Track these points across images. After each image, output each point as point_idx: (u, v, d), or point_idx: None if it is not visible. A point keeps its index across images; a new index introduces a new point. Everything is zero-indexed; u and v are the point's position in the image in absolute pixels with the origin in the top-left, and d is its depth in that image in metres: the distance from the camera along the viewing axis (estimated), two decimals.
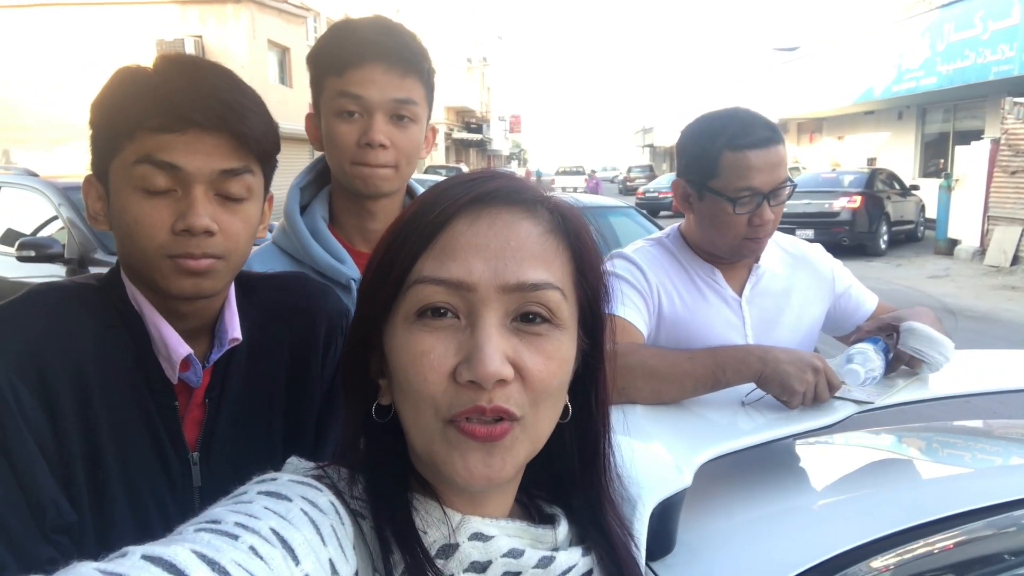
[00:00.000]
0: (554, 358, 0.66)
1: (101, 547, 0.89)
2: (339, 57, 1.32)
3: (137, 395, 0.99)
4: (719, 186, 1.57)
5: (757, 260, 1.70)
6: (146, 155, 0.93)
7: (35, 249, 5.58)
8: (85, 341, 0.97)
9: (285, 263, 1.43)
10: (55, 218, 5.96)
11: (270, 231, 1.36)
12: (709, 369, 1.36)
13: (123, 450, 0.97)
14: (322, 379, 1.16)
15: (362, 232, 1.44)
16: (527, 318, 0.66)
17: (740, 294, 1.68)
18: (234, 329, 1.06)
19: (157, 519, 0.98)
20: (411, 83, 1.34)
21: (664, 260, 1.69)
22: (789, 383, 1.30)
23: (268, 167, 1.05)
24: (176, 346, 1.00)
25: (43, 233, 6.02)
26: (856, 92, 21.69)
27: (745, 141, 1.55)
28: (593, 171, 47.02)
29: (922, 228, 17.49)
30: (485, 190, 0.68)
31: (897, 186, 16.67)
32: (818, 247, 1.82)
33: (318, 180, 1.52)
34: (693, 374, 1.36)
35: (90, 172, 1.03)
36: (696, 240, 1.69)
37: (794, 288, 1.72)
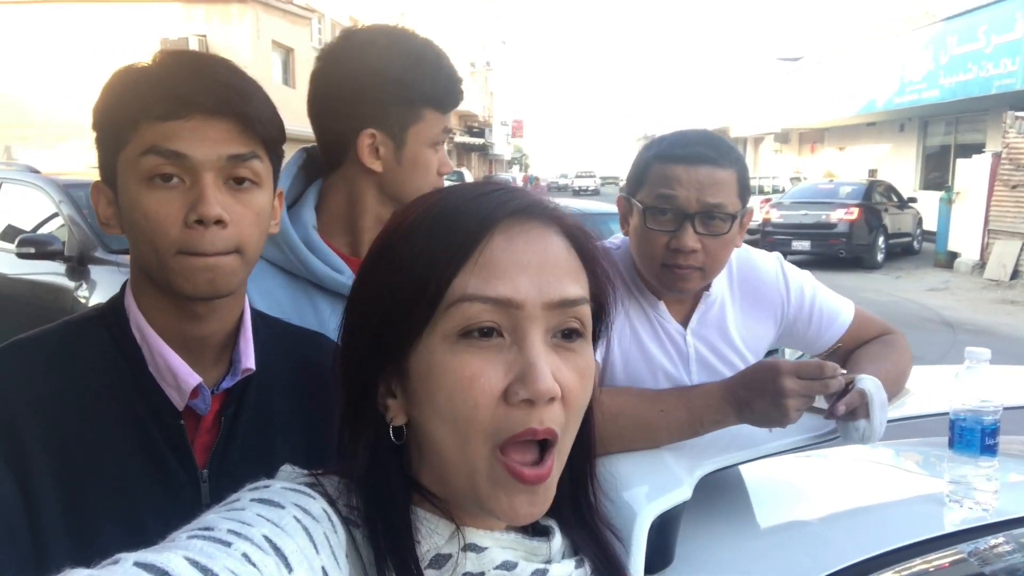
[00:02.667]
0: (586, 375, 0.67)
1: None
2: (443, 93, 1.36)
3: (136, 420, 0.97)
4: (641, 197, 1.44)
5: (708, 288, 1.53)
6: (151, 145, 0.91)
7: (35, 246, 5.57)
8: (62, 382, 0.95)
9: (276, 277, 1.38)
10: (56, 215, 5.95)
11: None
12: (685, 423, 1.31)
13: (117, 478, 0.95)
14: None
15: (355, 233, 1.42)
16: (566, 334, 0.66)
17: (686, 325, 1.53)
18: (248, 359, 1.04)
19: (162, 539, 0.97)
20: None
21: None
22: (773, 420, 1.26)
23: (275, 156, 1.03)
24: (185, 376, 0.97)
25: (43, 230, 6.00)
26: (858, 103, 21.74)
27: (675, 153, 1.42)
28: (537, 177, 47.86)
29: (919, 241, 17.46)
30: (519, 205, 0.67)
31: (895, 198, 16.65)
32: (773, 259, 1.64)
33: (300, 178, 1.46)
34: (668, 428, 1.32)
35: (98, 179, 1.01)
36: (637, 263, 1.53)
37: (739, 312, 1.59)
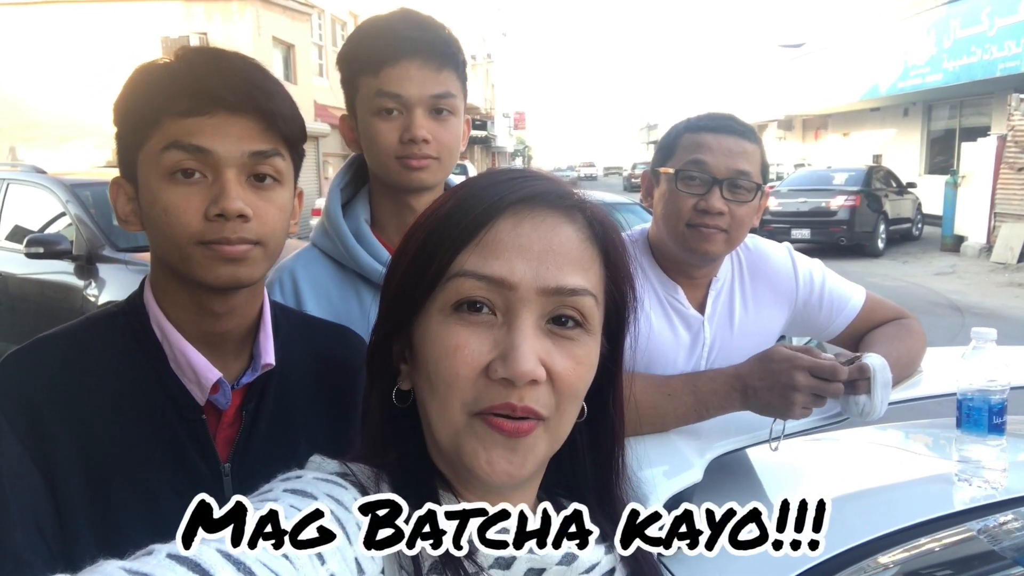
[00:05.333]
0: (583, 363, 0.68)
1: None
2: (373, 56, 1.31)
3: (158, 414, 0.98)
4: (672, 164, 1.51)
5: (716, 274, 1.59)
6: (174, 140, 0.91)
7: (43, 246, 5.59)
8: (85, 377, 0.97)
9: (327, 267, 1.41)
10: (63, 214, 5.98)
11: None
12: (691, 408, 1.34)
13: (139, 472, 0.96)
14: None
15: (404, 231, 1.43)
16: (560, 321, 0.67)
17: (702, 312, 1.58)
18: (268, 354, 1.04)
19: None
20: (447, 76, 1.34)
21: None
22: (777, 412, 1.28)
23: (296, 154, 1.03)
24: (205, 372, 0.98)
25: (51, 230, 6.04)
26: (862, 89, 21.61)
27: (704, 123, 1.51)
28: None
29: (920, 226, 17.27)
30: (532, 191, 0.69)
31: (894, 183, 16.38)
32: (782, 249, 1.69)
33: (355, 180, 1.50)
34: (675, 412, 1.34)
35: (117, 175, 1.01)
36: (656, 241, 1.59)
37: (748, 301, 1.62)
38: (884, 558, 1.11)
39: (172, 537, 0.89)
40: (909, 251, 15.41)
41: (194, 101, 0.91)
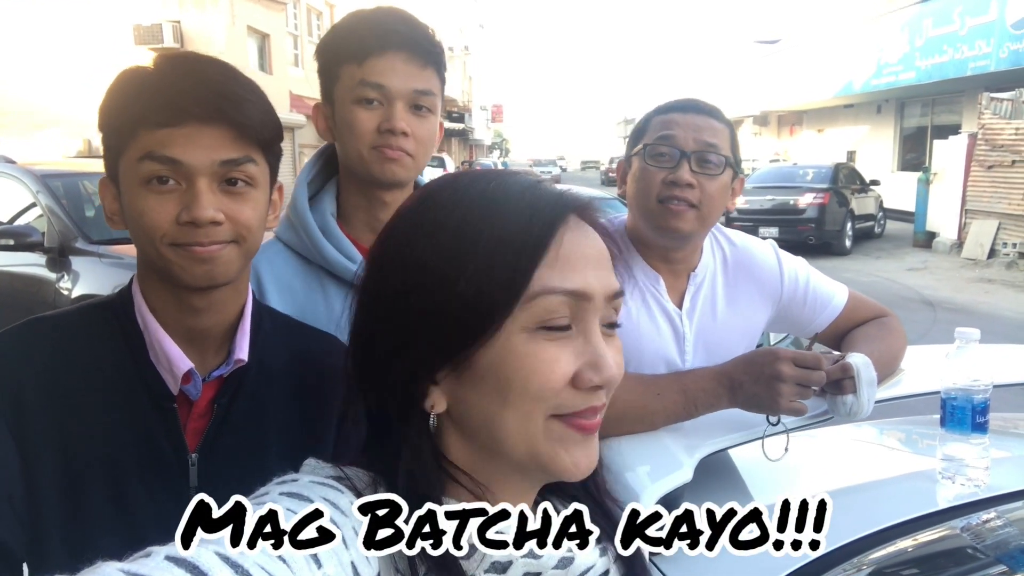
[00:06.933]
0: (621, 362, 0.72)
1: (76, 554, 0.92)
2: (359, 45, 1.30)
3: (133, 401, 1.02)
4: (643, 143, 1.53)
5: (695, 266, 1.59)
6: (148, 152, 0.96)
7: (14, 237, 5.49)
8: (68, 361, 1.01)
9: (291, 261, 1.40)
10: (34, 205, 5.86)
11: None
12: (680, 406, 1.35)
13: (109, 455, 1.00)
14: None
15: (371, 226, 1.41)
16: (611, 324, 0.71)
17: (680, 306, 1.57)
18: (241, 350, 1.08)
19: (150, 517, 1.00)
20: (430, 74, 1.34)
21: None
22: (764, 405, 1.29)
23: (271, 156, 1.06)
24: (177, 360, 1.02)
25: (22, 221, 5.92)
26: (836, 86, 21.85)
27: (672, 105, 1.55)
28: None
29: (882, 223, 17.20)
30: (581, 200, 0.71)
31: (858, 181, 16.24)
32: (767, 246, 1.69)
33: (323, 172, 1.49)
34: (663, 411, 1.35)
35: (104, 176, 1.06)
36: (632, 228, 1.58)
37: (732, 296, 1.62)
38: (869, 556, 1.12)
39: (135, 517, 0.87)
40: (882, 247, 15.62)
41: (165, 113, 0.96)
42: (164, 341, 1.02)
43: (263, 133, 1.02)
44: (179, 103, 0.95)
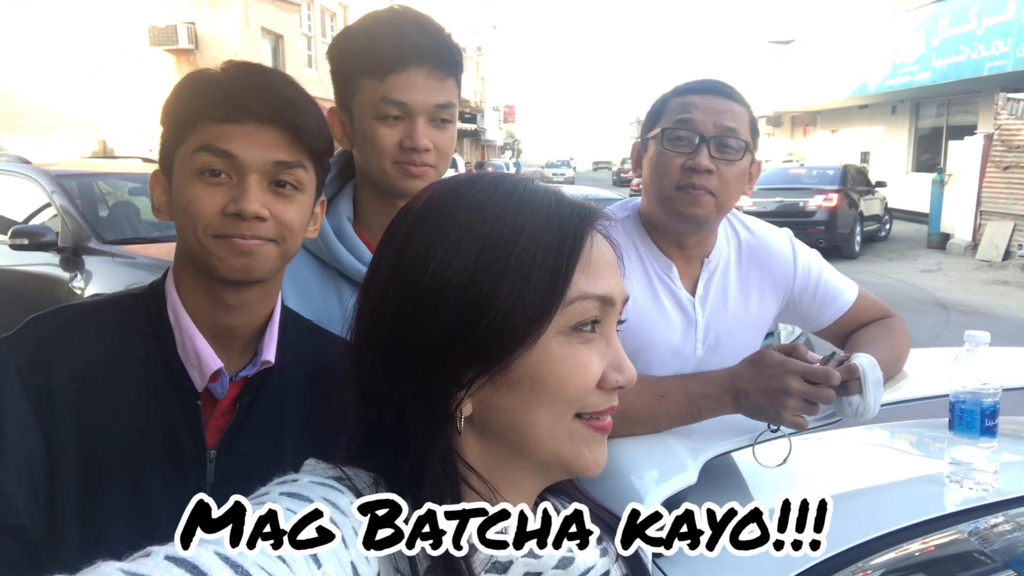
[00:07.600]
0: None
1: (91, 542, 0.95)
2: (380, 60, 1.29)
3: (158, 394, 1.04)
4: (660, 126, 1.49)
5: (709, 252, 1.57)
6: (206, 144, 1.00)
7: (28, 237, 5.52)
8: (98, 349, 1.03)
9: (308, 263, 1.41)
10: (48, 205, 5.91)
11: None
12: (684, 409, 1.34)
13: (129, 445, 1.01)
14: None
15: None
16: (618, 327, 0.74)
17: (693, 293, 1.55)
18: (268, 352, 1.10)
19: (165, 511, 1.00)
20: (450, 85, 1.34)
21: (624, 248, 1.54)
22: (767, 415, 1.28)
23: (320, 167, 1.10)
24: (208, 359, 1.04)
25: (36, 221, 5.96)
26: (851, 86, 21.71)
27: (691, 86, 1.52)
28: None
29: (887, 226, 16.97)
30: (595, 207, 0.73)
31: (865, 182, 15.94)
32: (783, 235, 1.67)
33: (340, 176, 1.49)
34: (667, 414, 1.34)
35: (156, 168, 1.10)
36: (647, 212, 1.56)
37: (744, 284, 1.60)
38: (875, 560, 1.11)
39: (152, 510, 0.87)
40: (895, 248, 15.50)
41: (228, 110, 1.00)
42: (196, 338, 1.04)
43: (317, 141, 1.06)
44: (242, 101, 1.00)
